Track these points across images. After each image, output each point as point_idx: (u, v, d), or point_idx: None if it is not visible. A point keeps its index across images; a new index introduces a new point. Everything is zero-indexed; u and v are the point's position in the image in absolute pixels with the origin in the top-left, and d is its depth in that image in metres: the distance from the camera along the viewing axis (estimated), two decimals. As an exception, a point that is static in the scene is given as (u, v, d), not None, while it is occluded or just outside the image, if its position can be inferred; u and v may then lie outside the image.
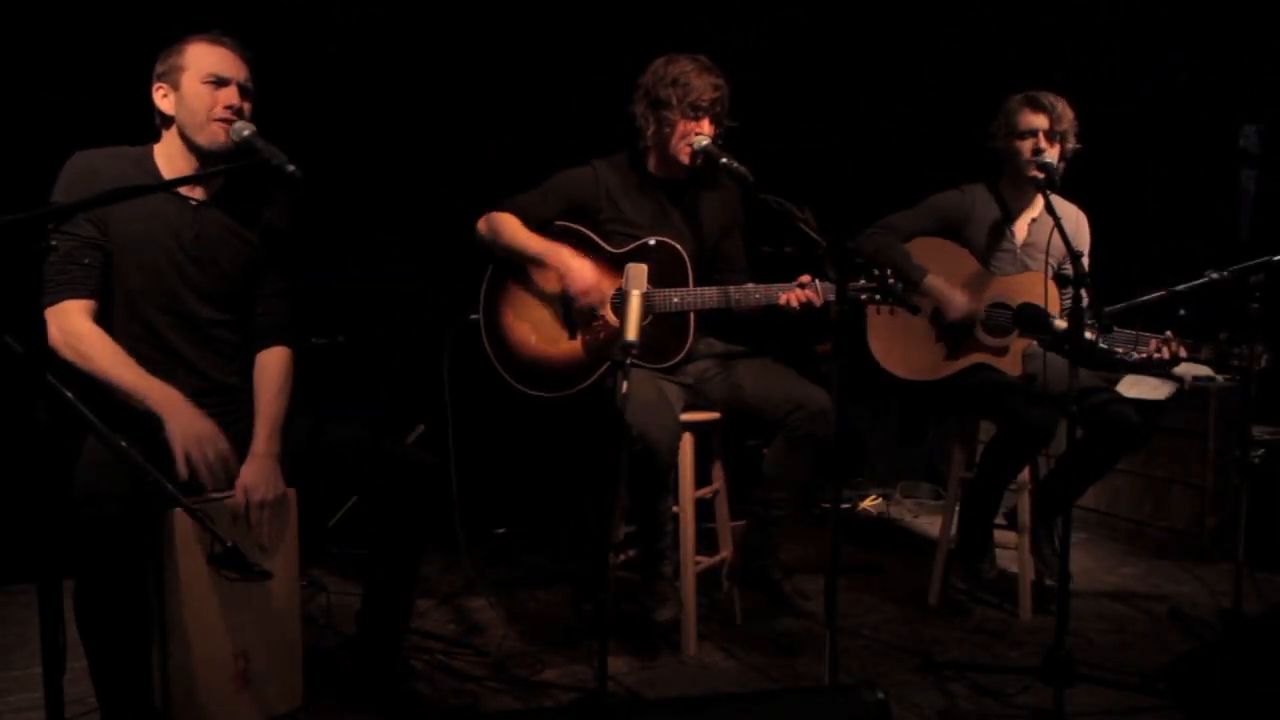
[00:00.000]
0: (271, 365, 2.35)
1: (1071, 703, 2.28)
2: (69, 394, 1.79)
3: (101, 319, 2.18)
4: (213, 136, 2.18)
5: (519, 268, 2.82)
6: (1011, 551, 3.10)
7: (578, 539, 3.74)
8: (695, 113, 2.72)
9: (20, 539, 2.92)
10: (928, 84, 4.41)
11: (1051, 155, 2.94)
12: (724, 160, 2.65)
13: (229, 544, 1.96)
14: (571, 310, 2.77)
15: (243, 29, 2.29)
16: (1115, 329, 2.83)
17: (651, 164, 2.88)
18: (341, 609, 2.82)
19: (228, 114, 2.18)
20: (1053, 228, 2.77)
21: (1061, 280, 3.09)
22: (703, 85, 2.71)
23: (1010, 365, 3.05)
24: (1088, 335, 2.75)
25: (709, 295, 2.75)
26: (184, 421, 2.09)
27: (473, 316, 2.85)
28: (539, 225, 2.82)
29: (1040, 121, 2.99)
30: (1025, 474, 3.01)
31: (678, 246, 2.79)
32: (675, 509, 2.78)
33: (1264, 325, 2.68)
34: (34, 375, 1.52)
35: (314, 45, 3.56)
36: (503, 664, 2.69)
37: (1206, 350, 2.82)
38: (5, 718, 2.36)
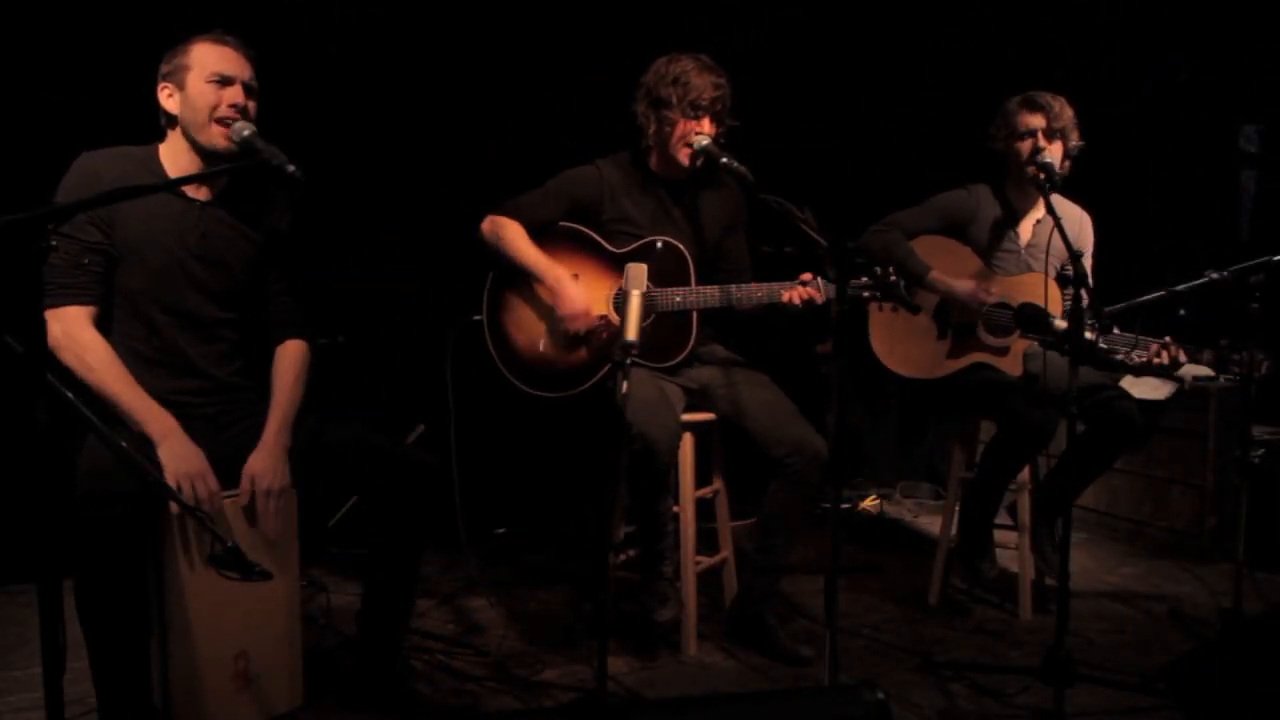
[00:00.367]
0: (288, 357, 2.36)
1: (1071, 703, 2.28)
2: (69, 394, 1.79)
3: (103, 322, 2.18)
4: (213, 138, 2.19)
5: (520, 273, 2.83)
6: (1011, 551, 3.10)
7: (578, 539, 3.74)
8: (695, 112, 2.72)
9: (20, 539, 2.92)
10: (928, 84, 4.41)
11: (1052, 154, 2.94)
12: (724, 160, 2.65)
13: (229, 544, 1.96)
14: (560, 329, 2.77)
15: (243, 29, 2.29)
16: (1115, 331, 2.83)
17: (653, 163, 2.88)
18: (341, 609, 2.82)
19: (232, 113, 2.18)
20: (1053, 228, 2.77)
21: (1063, 281, 3.09)
22: (703, 84, 2.71)
23: (1011, 365, 3.05)
24: (1088, 335, 2.75)
25: (711, 294, 2.75)
26: (177, 453, 2.08)
27: (475, 317, 2.85)
28: (542, 226, 2.82)
29: (1037, 121, 2.99)
30: (1025, 473, 3.02)
31: (680, 246, 2.79)
32: (675, 509, 2.77)
33: (1264, 326, 2.68)
34: (34, 375, 1.52)
35: (314, 45, 3.56)
36: (503, 664, 2.69)
37: (1206, 356, 2.82)
38: (5, 718, 2.36)
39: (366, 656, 2.41)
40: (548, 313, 2.79)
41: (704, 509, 2.94)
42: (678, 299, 2.75)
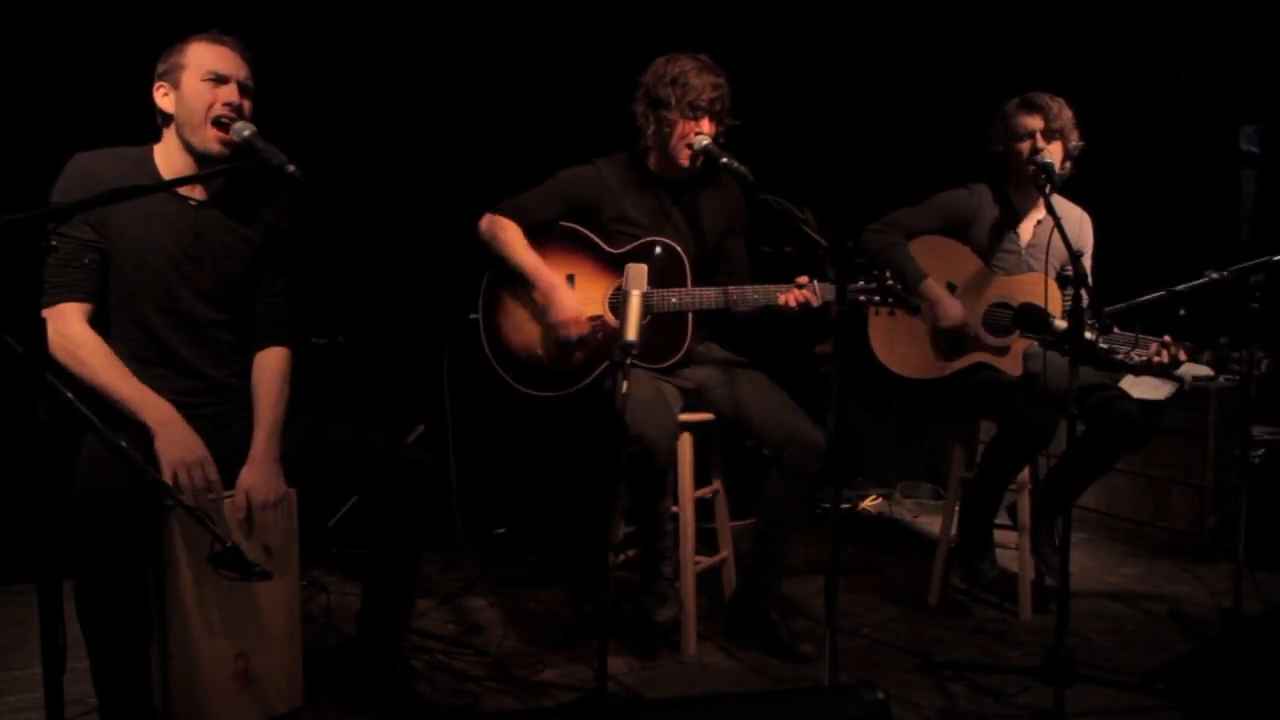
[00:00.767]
0: (270, 366, 2.34)
1: (1071, 703, 2.27)
2: (68, 393, 1.79)
3: (98, 321, 2.17)
4: (206, 142, 2.18)
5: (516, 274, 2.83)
6: (1011, 551, 3.10)
7: (577, 539, 3.74)
8: (694, 112, 2.72)
9: (20, 539, 2.92)
10: (928, 84, 4.41)
11: (1051, 155, 2.93)
12: (724, 160, 2.65)
13: (229, 544, 1.96)
14: (552, 334, 2.77)
15: (243, 29, 2.29)
16: (1115, 330, 2.83)
17: (652, 163, 2.88)
18: (341, 609, 2.82)
19: (227, 111, 2.18)
20: (1053, 229, 2.77)
21: (1063, 281, 3.09)
22: (702, 84, 2.71)
23: (1011, 365, 3.06)
24: (1088, 335, 2.75)
25: (707, 295, 2.75)
26: (175, 440, 2.08)
27: (472, 316, 2.85)
28: (541, 226, 2.82)
29: (1035, 122, 2.98)
30: (1025, 473, 3.01)
31: (676, 247, 2.79)
32: (675, 509, 2.77)
33: (1264, 326, 2.68)
34: (34, 375, 1.52)
35: (314, 45, 3.56)
36: (503, 664, 2.69)
37: (1206, 355, 2.82)
38: (5, 718, 2.36)
39: (366, 656, 2.41)
40: (542, 313, 2.79)
41: (703, 509, 2.94)
42: (674, 300, 2.75)
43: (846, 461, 4.51)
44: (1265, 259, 2.68)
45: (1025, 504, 3.04)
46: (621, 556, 2.93)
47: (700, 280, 2.80)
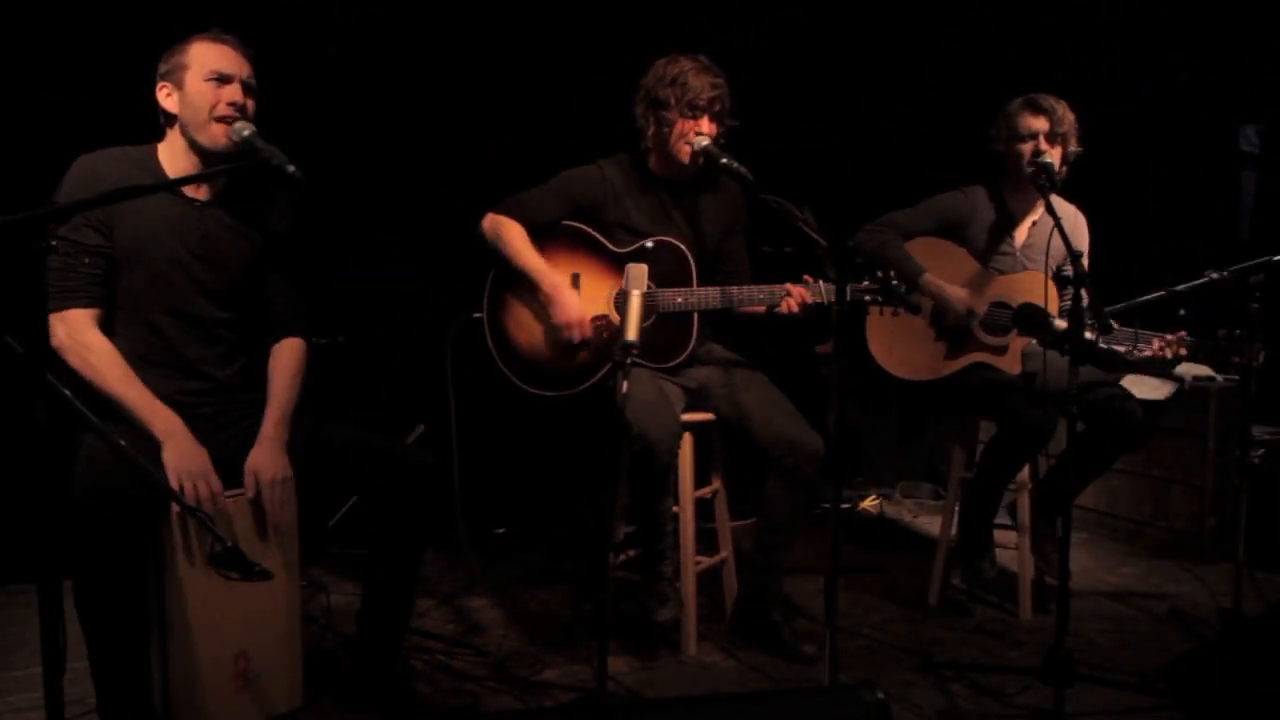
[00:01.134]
0: (285, 354, 2.37)
1: (1071, 703, 2.27)
2: (68, 393, 1.79)
3: (105, 325, 2.18)
4: (213, 138, 2.19)
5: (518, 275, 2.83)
6: (1011, 551, 3.10)
7: (577, 539, 3.74)
8: (693, 111, 2.72)
9: (20, 539, 2.92)
10: (928, 84, 4.41)
11: (1052, 157, 2.94)
12: (724, 160, 2.65)
13: (229, 544, 1.96)
14: (555, 336, 2.77)
15: (243, 29, 2.29)
16: (1116, 328, 2.83)
17: (653, 164, 2.88)
18: (341, 609, 2.82)
19: (230, 111, 2.18)
20: (1052, 229, 2.77)
21: (1061, 281, 3.09)
22: (701, 84, 2.72)
23: (1010, 364, 3.06)
24: (1087, 335, 2.75)
25: (711, 295, 2.75)
26: (182, 452, 2.08)
27: (475, 315, 2.85)
28: (544, 227, 2.82)
29: (1040, 124, 2.98)
30: (1025, 473, 3.02)
31: (681, 246, 2.79)
32: (675, 509, 2.78)
33: (1264, 325, 2.68)
34: (34, 375, 1.52)
35: (314, 45, 3.56)
36: (503, 664, 2.69)
37: (1206, 348, 2.82)
38: (5, 718, 2.36)
39: (366, 656, 2.40)
40: (547, 314, 2.78)
41: (704, 509, 2.94)
42: (679, 300, 2.75)
43: (846, 462, 4.51)
44: (1265, 259, 2.69)
45: (1025, 503, 3.04)
46: (621, 556, 2.93)
47: (703, 281, 2.80)
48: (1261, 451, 3.66)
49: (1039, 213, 3.15)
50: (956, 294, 3.02)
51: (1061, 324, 2.83)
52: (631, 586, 2.87)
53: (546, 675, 2.64)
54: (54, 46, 3.17)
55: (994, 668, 2.68)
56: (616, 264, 2.80)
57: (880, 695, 1.77)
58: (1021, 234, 3.16)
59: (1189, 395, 3.73)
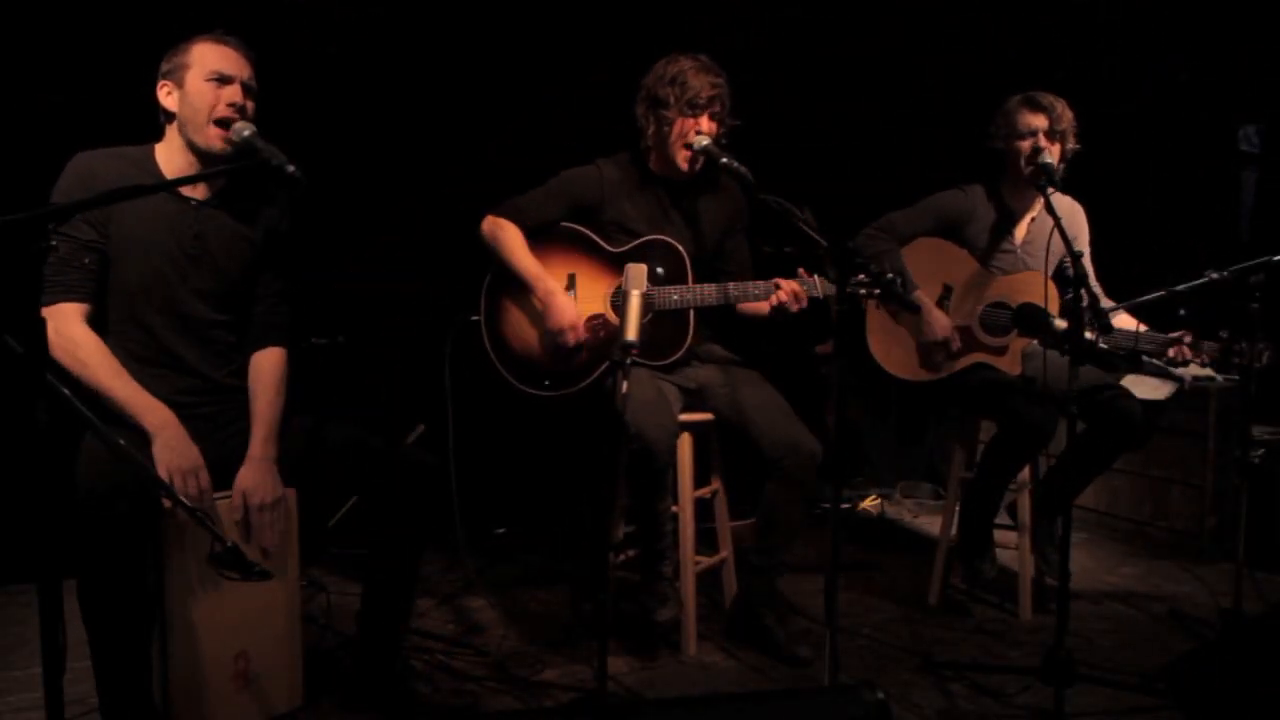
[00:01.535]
0: (267, 367, 2.34)
1: (1071, 703, 2.27)
2: (67, 392, 1.79)
3: (96, 321, 2.17)
4: (209, 140, 2.18)
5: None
6: (1011, 551, 3.10)
7: (577, 539, 3.74)
8: (692, 110, 2.73)
9: (20, 539, 2.92)
10: (928, 84, 4.41)
11: (1051, 155, 2.94)
12: (724, 160, 2.65)
13: (229, 544, 1.96)
14: (549, 339, 2.77)
15: (243, 29, 2.29)
16: (1115, 329, 2.83)
17: (653, 164, 2.88)
18: (341, 609, 2.82)
19: (230, 112, 2.18)
20: (1052, 227, 2.77)
21: (1061, 281, 3.09)
22: (700, 84, 2.72)
23: (1009, 364, 3.06)
24: (1088, 335, 2.75)
25: (708, 292, 2.75)
26: (173, 447, 2.08)
27: (474, 318, 2.85)
28: (543, 227, 2.82)
29: (1040, 122, 2.99)
30: (1025, 473, 3.02)
31: (677, 245, 2.80)
32: (674, 509, 2.78)
33: (1264, 325, 2.68)
34: (34, 375, 1.52)
35: (314, 45, 3.56)
36: (503, 664, 2.69)
37: (1207, 346, 2.83)
38: (5, 718, 2.36)
39: (366, 656, 2.40)
40: (542, 316, 2.79)
41: (703, 509, 2.94)
42: (675, 298, 2.75)
43: (846, 462, 4.51)
44: (1265, 259, 2.68)
45: (1025, 503, 3.04)
46: (621, 556, 2.93)
47: (700, 280, 2.80)
48: (1261, 451, 3.66)
49: (1038, 209, 3.15)
50: (937, 318, 3.02)
51: (1062, 324, 2.83)
52: (631, 586, 2.87)
53: (546, 675, 2.64)
54: (54, 46, 3.17)
55: (994, 668, 2.68)
56: (613, 264, 2.80)
57: (880, 695, 1.77)
58: (1021, 231, 3.16)
59: (1189, 395, 3.73)
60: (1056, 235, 2.65)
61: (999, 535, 3.17)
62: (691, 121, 2.73)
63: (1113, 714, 2.41)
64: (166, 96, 2.22)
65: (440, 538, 2.49)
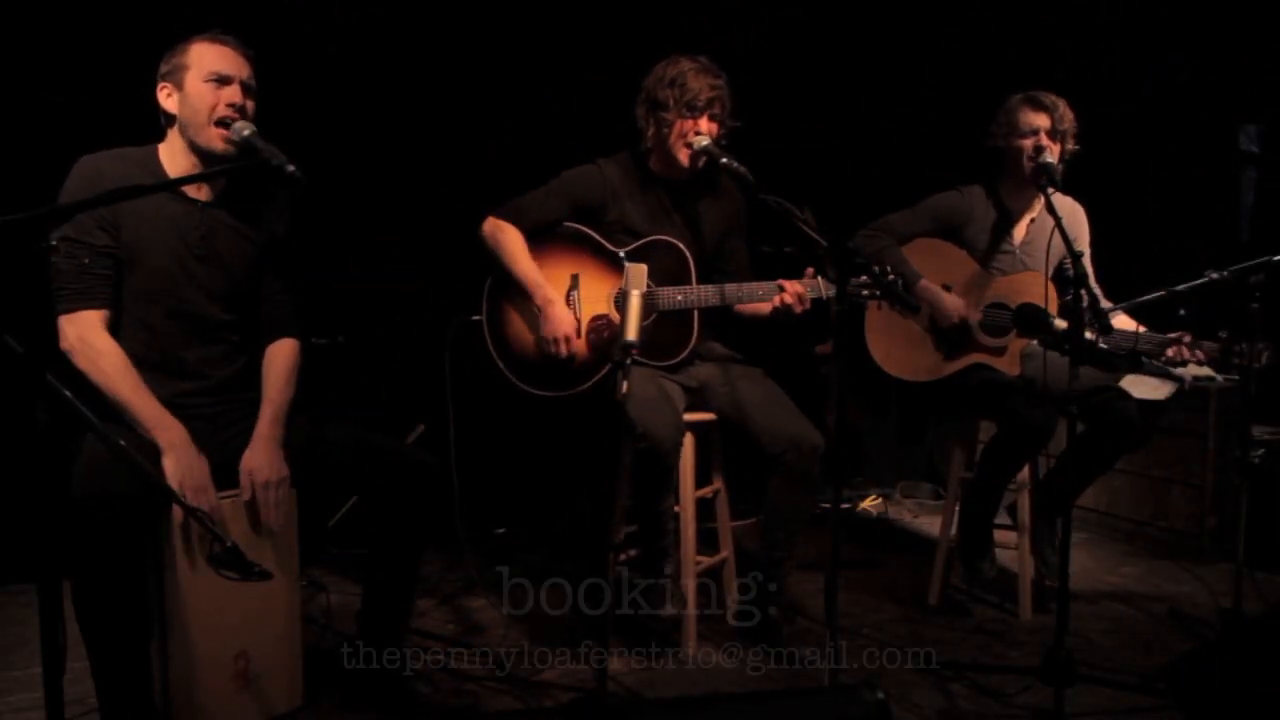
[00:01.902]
0: (280, 355, 2.37)
1: (1071, 703, 2.28)
2: (68, 393, 1.79)
3: (113, 327, 2.19)
4: (210, 141, 2.19)
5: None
6: (1011, 551, 3.10)
7: (577, 539, 3.74)
8: (692, 111, 2.73)
9: (20, 539, 2.92)
10: (928, 84, 4.41)
11: (1052, 154, 2.94)
12: (724, 160, 2.65)
13: (229, 544, 1.96)
14: (543, 347, 2.77)
15: (243, 29, 2.29)
16: (1115, 329, 2.83)
17: (654, 164, 2.88)
18: (341, 609, 2.82)
19: (229, 112, 2.18)
20: (1052, 228, 2.77)
21: (1061, 281, 3.09)
22: (699, 85, 2.72)
23: (1008, 365, 3.06)
24: (1088, 335, 2.75)
25: (711, 293, 2.75)
26: (184, 464, 2.08)
27: (474, 318, 2.85)
28: (544, 228, 2.82)
29: (1042, 121, 2.99)
30: (1025, 473, 3.01)
31: (680, 245, 2.80)
32: (676, 508, 2.78)
33: (1264, 325, 2.68)
34: (34, 375, 1.52)
35: (314, 45, 3.56)
36: (503, 664, 2.69)
37: (1208, 348, 2.83)
38: (5, 718, 2.36)
39: (366, 657, 2.40)
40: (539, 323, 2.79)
41: (704, 509, 2.93)
42: (678, 298, 2.75)
43: (846, 462, 4.51)
44: (1265, 259, 2.68)
45: (1025, 504, 3.04)
46: (622, 556, 2.93)
47: (702, 281, 2.80)
48: (1261, 451, 3.66)
49: (1037, 210, 3.15)
50: (951, 301, 3.02)
51: (1062, 324, 2.83)
52: (632, 586, 2.86)
53: (546, 675, 2.64)
54: (54, 46, 3.17)
55: (994, 668, 2.68)
56: (616, 264, 2.80)
57: (880, 695, 1.77)
58: (1020, 231, 3.16)
59: (1189, 395, 3.73)
60: (1057, 235, 2.65)
61: (999, 535, 3.17)
62: (691, 123, 2.74)
63: (1113, 714, 2.41)
64: (167, 99, 2.22)
65: (440, 538, 2.49)
